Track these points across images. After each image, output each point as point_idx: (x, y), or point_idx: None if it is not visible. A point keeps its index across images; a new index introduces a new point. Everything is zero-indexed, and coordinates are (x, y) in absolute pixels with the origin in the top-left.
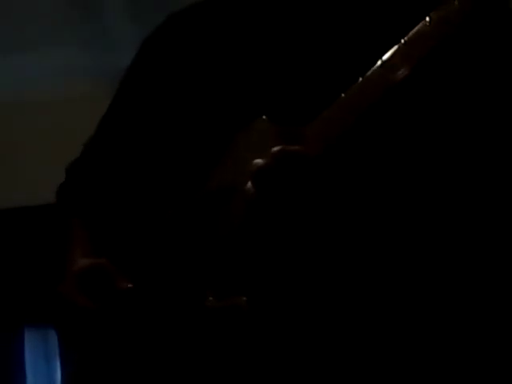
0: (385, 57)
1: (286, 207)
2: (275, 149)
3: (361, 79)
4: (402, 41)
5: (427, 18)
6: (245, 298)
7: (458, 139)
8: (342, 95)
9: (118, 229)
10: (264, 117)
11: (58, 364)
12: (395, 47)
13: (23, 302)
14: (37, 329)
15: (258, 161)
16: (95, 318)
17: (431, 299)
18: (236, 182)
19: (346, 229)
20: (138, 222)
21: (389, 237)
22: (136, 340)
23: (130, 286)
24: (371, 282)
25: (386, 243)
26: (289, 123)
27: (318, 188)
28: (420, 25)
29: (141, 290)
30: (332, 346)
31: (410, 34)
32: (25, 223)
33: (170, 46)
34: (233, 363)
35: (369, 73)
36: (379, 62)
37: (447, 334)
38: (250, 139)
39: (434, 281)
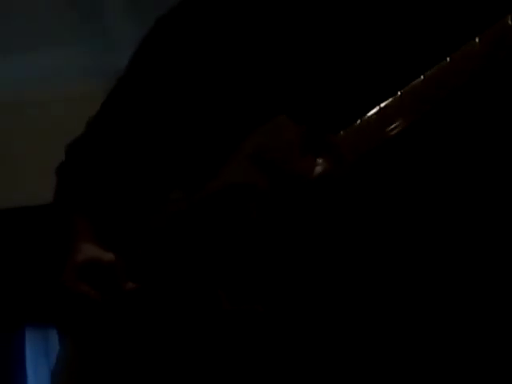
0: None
1: (305, 214)
2: (307, 163)
3: (399, 93)
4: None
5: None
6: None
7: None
8: (375, 110)
9: (121, 217)
10: (283, 115)
11: None
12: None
13: (23, 302)
14: (37, 328)
15: (283, 165)
16: (99, 308)
17: (434, 300)
18: (251, 181)
19: (360, 238)
20: (143, 211)
21: (405, 247)
22: (140, 338)
23: (136, 286)
24: (390, 293)
25: (402, 253)
26: (306, 124)
27: (344, 198)
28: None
29: (148, 288)
30: (341, 348)
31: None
32: (25, 223)
33: (182, 34)
34: (244, 364)
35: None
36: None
37: (447, 333)
38: (269, 137)
39: (440, 283)
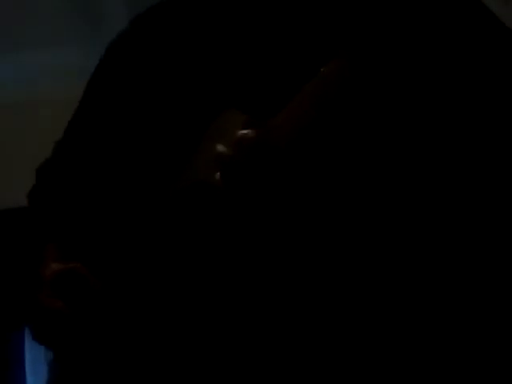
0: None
1: (254, 198)
2: (237, 135)
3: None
4: None
5: None
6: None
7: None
8: (304, 87)
9: (92, 231)
10: (232, 108)
11: None
12: None
13: (23, 302)
14: None
15: (221, 149)
16: (71, 321)
17: (430, 299)
18: (205, 175)
19: (318, 221)
20: (113, 222)
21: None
22: (113, 342)
23: (101, 286)
24: (352, 278)
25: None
26: (258, 115)
27: (285, 177)
28: None
29: (117, 290)
30: (331, 345)
31: None
32: (25, 223)
33: (141, 42)
34: (241, 363)
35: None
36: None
37: (447, 334)
38: (218, 130)
39: (433, 279)
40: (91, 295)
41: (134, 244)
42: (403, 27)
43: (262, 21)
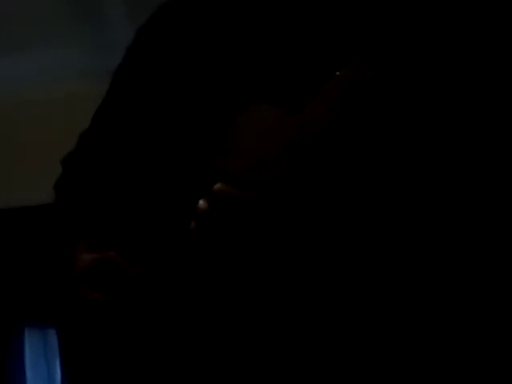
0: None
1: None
2: (215, 188)
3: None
4: None
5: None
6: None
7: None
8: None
9: (121, 222)
10: (264, 103)
11: (57, 363)
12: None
13: (23, 302)
14: (37, 328)
15: (201, 202)
16: (108, 311)
17: (430, 299)
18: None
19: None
20: (140, 214)
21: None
22: (149, 332)
23: (139, 271)
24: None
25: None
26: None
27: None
28: None
29: (151, 278)
30: (332, 345)
31: None
32: (25, 223)
33: (164, 37)
34: (243, 363)
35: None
36: None
37: (447, 334)
38: (250, 125)
39: (433, 279)
40: (129, 282)
41: (160, 232)
42: (414, 30)
43: (284, 17)
